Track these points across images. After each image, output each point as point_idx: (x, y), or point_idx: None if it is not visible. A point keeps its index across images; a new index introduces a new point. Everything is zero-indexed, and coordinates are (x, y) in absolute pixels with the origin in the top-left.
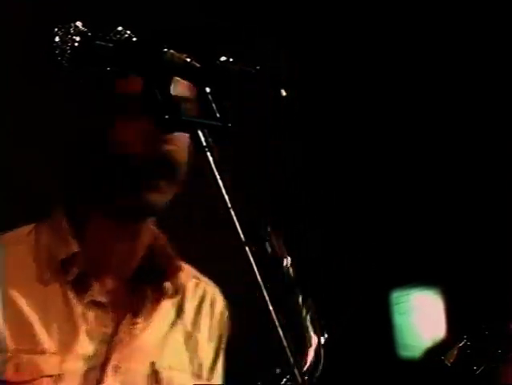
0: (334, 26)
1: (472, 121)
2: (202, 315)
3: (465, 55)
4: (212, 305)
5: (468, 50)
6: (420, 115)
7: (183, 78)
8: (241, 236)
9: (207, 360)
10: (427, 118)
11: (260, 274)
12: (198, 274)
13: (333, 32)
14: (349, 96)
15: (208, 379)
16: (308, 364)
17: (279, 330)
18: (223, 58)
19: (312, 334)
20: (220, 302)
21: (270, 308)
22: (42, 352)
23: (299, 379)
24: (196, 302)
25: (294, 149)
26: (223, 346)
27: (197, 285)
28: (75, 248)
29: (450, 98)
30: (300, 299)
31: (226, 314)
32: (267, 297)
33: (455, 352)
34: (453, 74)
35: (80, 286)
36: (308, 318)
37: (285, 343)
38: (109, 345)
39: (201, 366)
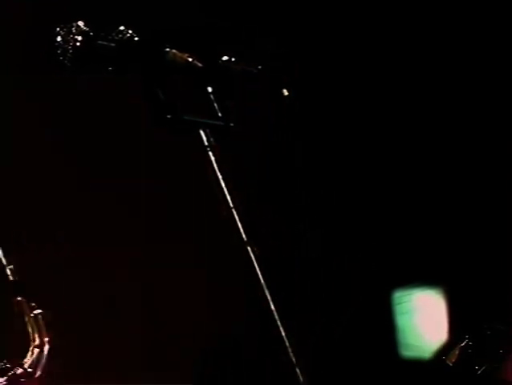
0: (333, 26)
1: (472, 121)
2: None
3: (464, 55)
4: None
5: (468, 50)
6: (419, 114)
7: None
8: (243, 235)
9: None
10: (427, 117)
11: (261, 274)
12: None
13: (333, 32)
14: (349, 96)
15: None
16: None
17: (281, 329)
18: (225, 58)
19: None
20: None
21: (272, 308)
22: None
23: (300, 379)
24: None
25: (294, 149)
26: None
27: None
28: None
29: (450, 98)
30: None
31: None
32: (269, 297)
33: (457, 352)
34: (452, 74)
35: None
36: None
37: (287, 343)
38: None
39: None
